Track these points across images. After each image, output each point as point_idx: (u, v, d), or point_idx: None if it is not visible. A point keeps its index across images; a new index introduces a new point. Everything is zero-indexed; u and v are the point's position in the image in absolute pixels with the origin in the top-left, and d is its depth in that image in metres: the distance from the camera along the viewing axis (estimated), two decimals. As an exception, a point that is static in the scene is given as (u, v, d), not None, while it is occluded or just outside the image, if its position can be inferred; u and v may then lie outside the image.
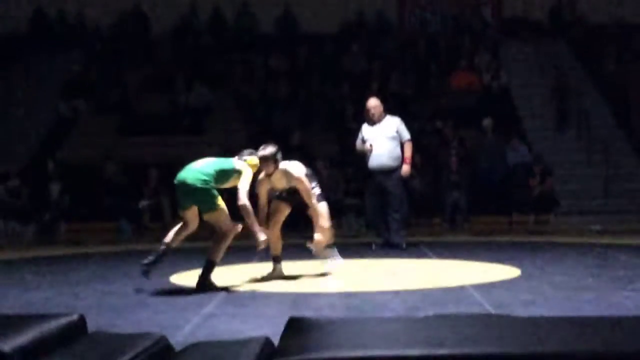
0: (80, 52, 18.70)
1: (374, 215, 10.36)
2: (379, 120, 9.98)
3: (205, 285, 6.67)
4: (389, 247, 9.87)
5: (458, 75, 17.43)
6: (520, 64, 18.30)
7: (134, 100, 17.52)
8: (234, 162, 6.95)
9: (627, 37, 18.04)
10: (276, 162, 7.13)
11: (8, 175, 14.89)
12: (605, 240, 10.94)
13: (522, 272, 7.48)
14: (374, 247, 10.05)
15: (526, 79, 17.94)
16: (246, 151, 7.16)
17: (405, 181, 10.19)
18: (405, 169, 9.89)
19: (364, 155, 10.01)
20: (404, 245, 9.85)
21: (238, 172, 6.85)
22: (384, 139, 9.88)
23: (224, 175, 6.84)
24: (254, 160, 7.06)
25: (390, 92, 16.14)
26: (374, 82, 16.41)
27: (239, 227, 6.88)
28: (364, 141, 9.97)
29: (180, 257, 9.34)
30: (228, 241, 6.85)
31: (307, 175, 7.25)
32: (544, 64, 17.90)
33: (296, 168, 7.24)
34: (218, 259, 6.83)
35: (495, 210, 14.43)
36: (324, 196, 7.42)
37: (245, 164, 6.96)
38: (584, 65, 18.07)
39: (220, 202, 6.82)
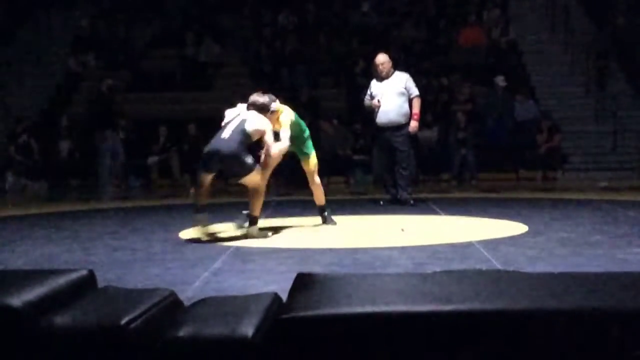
0: (89, 8, 18.61)
1: (382, 172, 10.37)
2: (388, 76, 9.91)
3: (253, 236, 7.05)
4: (397, 204, 9.89)
5: (466, 31, 17.29)
6: (529, 19, 18.14)
7: (143, 56, 17.47)
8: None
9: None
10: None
11: (18, 134, 14.93)
12: (613, 196, 10.93)
13: (529, 228, 7.50)
14: (382, 202, 10.07)
15: (535, 34, 17.80)
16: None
17: (413, 137, 10.15)
18: (413, 125, 9.85)
19: (372, 111, 9.97)
20: (412, 202, 9.87)
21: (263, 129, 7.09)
22: (392, 95, 9.82)
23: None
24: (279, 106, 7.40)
25: (400, 46, 16.06)
26: (383, 39, 16.31)
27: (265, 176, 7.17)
28: (372, 97, 9.92)
29: (189, 213, 9.38)
30: (262, 195, 7.13)
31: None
32: (554, 18, 17.73)
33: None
34: (258, 213, 7.16)
35: (503, 167, 14.43)
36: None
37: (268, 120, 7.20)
38: (594, 19, 17.90)
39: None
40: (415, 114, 9.84)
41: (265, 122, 7.16)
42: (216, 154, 6.97)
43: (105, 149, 13.12)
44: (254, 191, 7.07)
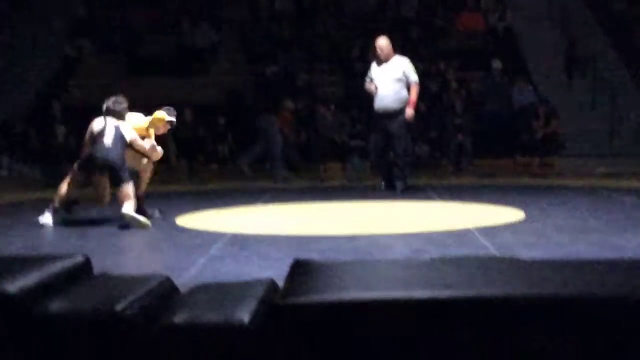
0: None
1: (378, 157, 10.28)
2: (387, 60, 9.80)
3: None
4: (392, 190, 9.85)
5: (463, 16, 17.25)
6: (526, 4, 18.08)
7: (139, 41, 17.41)
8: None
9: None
10: None
11: (12, 124, 14.90)
12: (610, 183, 10.93)
13: (527, 214, 7.50)
14: (382, 187, 10.00)
15: (532, 19, 17.75)
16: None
17: (409, 124, 10.08)
18: (409, 112, 9.72)
19: (371, 95, 9.90)
20: (404, 188, 9.79)
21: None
22: (390, 80, 9.72)
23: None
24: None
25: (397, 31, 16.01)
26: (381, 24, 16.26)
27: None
28: (371, 80, 9.85)
29: (185, 199, 9.38)
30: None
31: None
32: (550, 4, 17.69)
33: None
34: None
35: (500, 153, 14.42)
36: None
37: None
38: (591, 4, 17.85)
39: None
40: (412, 101, 9.73)
41: (132, 131, 7.42)
42: (104, 162, 7.17)
43: (275, 132, 13.08)
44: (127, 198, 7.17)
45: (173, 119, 7.76)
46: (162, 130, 7.77)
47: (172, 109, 7.82)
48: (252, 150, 13.28)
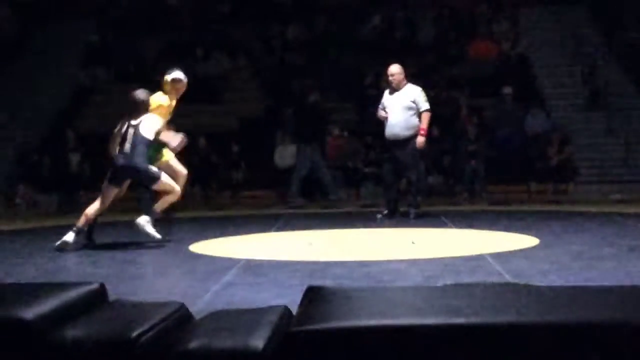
0: (99, 20, 18.68)
1: (387, 186, 10.18)
2: (398, 87, 9.81)
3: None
4: (399, 217, 9.78)
5: (476, 43, 17.30)
6: (539, 32, 18.12)
7: (152, 69, 17.52)
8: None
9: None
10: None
11: (27, 153, 15.03)
12: (625, 209, 10.88)
13: (541, 241, 7.47)
14: (379, 218, 9.83)
15: (545, 46, 17.77)
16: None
17: (420, 152, 10.00)
18: (420, 140, 9.67)
19: (384, 123, 9.90)
20: (416, 215, 9.76)
21: None
22: (399, 109, 9.70)
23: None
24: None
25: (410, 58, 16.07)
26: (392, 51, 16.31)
27: None
28: (383, 108, 9.87)
29: (199, 226, 9.39)
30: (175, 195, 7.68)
31: None
32: (564, 31, 17.72)
33: None
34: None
35: (513, 180, 14.39)
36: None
37: None
38: (604, 32, 17.87)
39: None
40: (423, 129, 9.68)
41: (154, 119, 7.56)
42: (127, 168, 7.38)
43: (319, 158, 13.49)
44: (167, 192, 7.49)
45: (177, 75, 7.90)
46: (180, 90, 7.99)
47: (175, 70, 7.94)
48: (296, 179, 13.53)
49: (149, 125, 7.46)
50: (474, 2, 18.46)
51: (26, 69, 17.27)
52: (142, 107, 7.56)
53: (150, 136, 7.40)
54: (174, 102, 7.94)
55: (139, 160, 7.29)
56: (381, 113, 9.83)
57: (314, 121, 13.98)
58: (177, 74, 7.92)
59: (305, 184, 13.67)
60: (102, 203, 7.50)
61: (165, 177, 7.44)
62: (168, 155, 7.86)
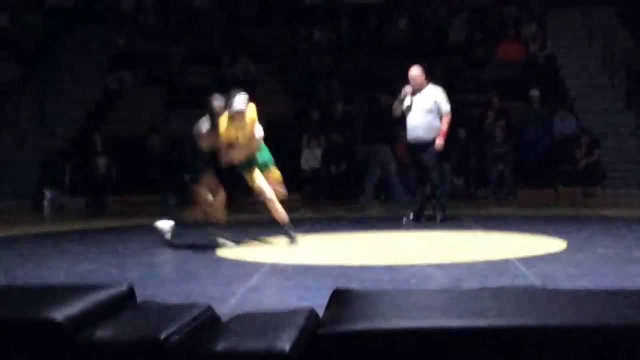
0: (126, 25, 18.81)
1: (416, 187, 10.19)
2: (420, 89, 9.75)
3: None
4: (418, 221, 9.77)
5: (504, 45, 17.23)
6: (567, 33, 18.03)
7: (179, 73, 17.62)
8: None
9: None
10: None
11: (54, 157, 15.17)
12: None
13: (569, 245, 7.42)
14: (405, 220, 9.89)
15: (573, 48, 17.68)
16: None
17: (443, 153, 9.91)
18: (439, 142, 9.59)
19: (399, 115, 9.88)
20: (443, 218, 9.74)
21: None
22: (422, 111, 9.63)
23: None
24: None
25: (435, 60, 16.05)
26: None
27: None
28: (401, 101, 9.78)
29: (225, 229, 9.40)
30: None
31: None
32: (592, 32, 17.61)
33: None
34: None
35: (541, 183, 14.32)
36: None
37: None
38: (633, 32, 17.73)
39: None
40: (443, 132, 9.62)
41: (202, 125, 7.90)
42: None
43: (391, 161, 13.62)
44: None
45: (237, 107, 7.64)
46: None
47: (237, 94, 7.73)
48: (369, 183, 13.67)
49: (201, 125, 7.81)
50: (501, 4, 18.40)
51: (54, 74, 17.42)
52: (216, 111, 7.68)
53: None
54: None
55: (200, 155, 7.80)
56: (397, 107, 9.79)
57: (386, 123, 14.06)
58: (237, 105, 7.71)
59: (378, 187, 13.77)
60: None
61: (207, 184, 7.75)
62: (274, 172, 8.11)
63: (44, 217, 13.24)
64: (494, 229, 9.05)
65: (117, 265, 6.83)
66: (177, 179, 14.63)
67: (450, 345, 2.49)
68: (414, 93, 9.74)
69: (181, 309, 2.96)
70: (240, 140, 7.56)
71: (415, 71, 9.79)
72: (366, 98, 14.95)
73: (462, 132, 14.27)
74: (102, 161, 15.10)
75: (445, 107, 9.65)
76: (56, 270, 6.62)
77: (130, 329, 2.65)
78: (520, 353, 2.48)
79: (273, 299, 5.01)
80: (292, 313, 2.94)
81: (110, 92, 17.53)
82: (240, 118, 7.54)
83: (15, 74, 17.36)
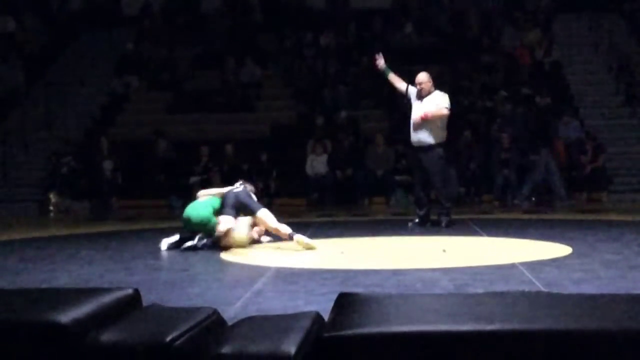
0: (133, 29, 18.85)
1: (418, 193, 10.11)
2: (426, 95, 9.73)
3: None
4: (423, 225, 9.73)
5: (511, 50, 17.21)
6: (573, 39, 18.01)
7: (185, 78, 17.65)
8: None
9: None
10: None
11: (60, 160, 15.17)
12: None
13: (574, 250, 7.42)
14: (410, 225, 9.86)
15: (579, 54, 17.67)
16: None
17: (445, 158, 9.88)
18: (422, 115, 9.49)
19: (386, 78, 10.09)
20: (448, 222, 9.72)
21: None
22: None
23: None
24: None
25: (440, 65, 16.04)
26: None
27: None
28: (405, 96, 9.91)
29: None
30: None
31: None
32: (597, 38, 17.60)
33: None
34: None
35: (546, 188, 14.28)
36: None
37: None
38: (638, 38, 17.72)
39: None
40: (430, 112, 9.49)
41: None
42: None
43: (552, 163, 14.07)
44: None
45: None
46: None
47: None
48: (529, 184, 13.94)
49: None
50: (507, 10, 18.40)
51: (60, 78, 17.46)
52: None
53: None
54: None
55: None
56: (380, 61, 10.12)
57: (545, 125, 14.26)
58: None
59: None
60: None
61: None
62: None
63: (49, 220, 13.26)
64: (499, 234, 9.04)
65: (123, 268, 6.84)
66: (182, 182, 14.70)
67: (455, 350, 2.49)
68: (420, 98, 9.72)
69: (187, 312, 2.97)
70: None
71: (422, 77, 9.77)
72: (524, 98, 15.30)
73: (467, 136, 14.30)
74: (107, 165, 15.12)
75: (445, 105, 9.56)
76: (62, 273, 6.63)
77: (136, 332, 2.66)
78: (525, 358, 2.48)
79: (278, 303, 5.01)
80: (298, 317, 2.95)
81: (116, 97, 17.56)
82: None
83: (21, 78, 17.40)
